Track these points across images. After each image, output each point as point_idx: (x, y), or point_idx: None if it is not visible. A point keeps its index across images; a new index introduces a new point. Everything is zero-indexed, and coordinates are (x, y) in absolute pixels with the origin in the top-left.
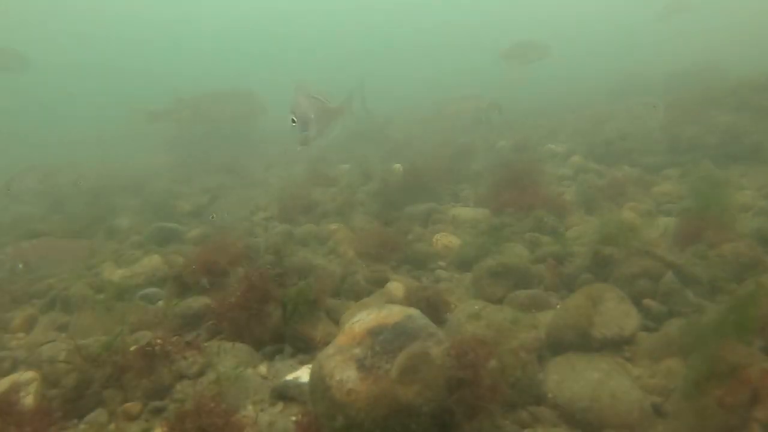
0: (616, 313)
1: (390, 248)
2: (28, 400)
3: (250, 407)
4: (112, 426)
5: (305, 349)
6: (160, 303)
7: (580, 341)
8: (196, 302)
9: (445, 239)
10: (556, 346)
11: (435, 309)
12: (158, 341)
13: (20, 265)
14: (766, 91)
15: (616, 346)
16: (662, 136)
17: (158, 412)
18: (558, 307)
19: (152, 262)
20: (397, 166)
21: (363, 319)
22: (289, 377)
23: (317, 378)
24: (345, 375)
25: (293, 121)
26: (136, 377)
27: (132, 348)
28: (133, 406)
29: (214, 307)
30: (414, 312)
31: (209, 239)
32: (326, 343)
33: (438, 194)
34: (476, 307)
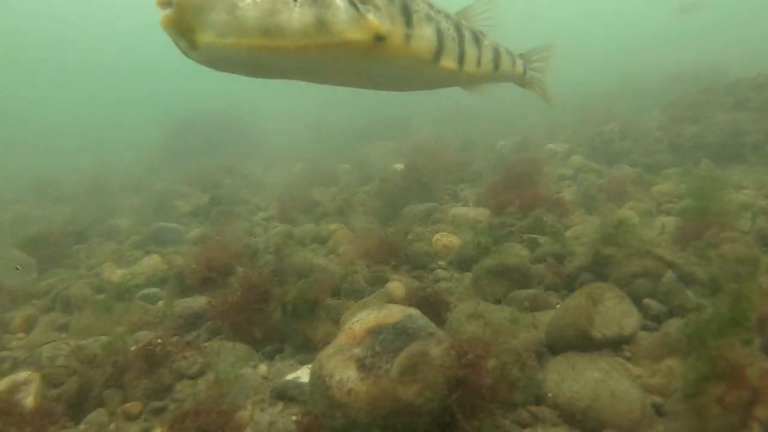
0: (616, 313)
1: (390, 248)
2: (28, 400)
3: (250, 407)
4: (112, 426)
5: (305, 349)
6: (160, 303)
7: (580, 341)
8: (196, 302)
9: (445, 239)
10: (555, 345)
11: (435, 309)
12: (158, 341)
13: None
14: (766, 90)
15: (616, 345)
16: (662, 135)
17: (158, 412)
18: (558, 306)
19: (152, 262)
20: (397, 166)
21: (363, 318)
22: (289, 377)
23: (317, 378)
24: (345, 375)
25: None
26: (137, 377)
27: (132, 348)
28: (133, 406)
29: (215, 307)
30: (414, 312)
31: (210, 239)
32: (326, 343)
33: (438, 194)
34: (476, 306)
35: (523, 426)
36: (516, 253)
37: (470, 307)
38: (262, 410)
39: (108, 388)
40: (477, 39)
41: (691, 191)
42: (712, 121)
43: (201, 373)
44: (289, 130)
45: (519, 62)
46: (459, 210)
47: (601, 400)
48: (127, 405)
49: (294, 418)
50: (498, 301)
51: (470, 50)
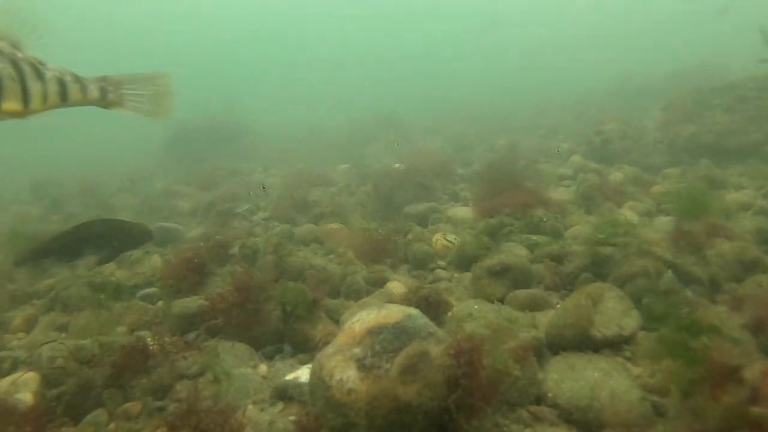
0: (616, 313)
1: (389, 248)
2: (28, 400)
3: (250, 407)
4: (111, 426)
5: (305, 348)
6: (160, 303)
7: (579, 341)
8: (195, 302)
9: (445, 239)
10: (555, 345)
11: (434, 309)
12: (155, 339)
13: None
14: (765, 90)
15: (616, 345)
16: (661, 135)
17: (158, 412)
18: (557, 306)
19: (152, 262)
20: (397, 165)
21: (363, 318)
22: (289, 377)
23: (317, 378)
24: (345, 375)
25: None
26: (133, 376)
27: (124, 344)
28: (133, 406)
29: (213, 307)
30: (413, 311)
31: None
32: (326, 343)
33: (437, 194)
34: (475, 306)
35: (523, 425)
36: (515, 252)
37: (470, 307)
38: (262, 410)
39: (107, 388)
40: (39, 73)
41: (684, 192)
42: (711, 121)
43: (200, 373)
44: (289, 131)
45: (93, 88)
46: (458, 210)
47: (601, 400)
48: (127, 405)
49: (292, 418)
50: (498, 301)
51: (34, 87)
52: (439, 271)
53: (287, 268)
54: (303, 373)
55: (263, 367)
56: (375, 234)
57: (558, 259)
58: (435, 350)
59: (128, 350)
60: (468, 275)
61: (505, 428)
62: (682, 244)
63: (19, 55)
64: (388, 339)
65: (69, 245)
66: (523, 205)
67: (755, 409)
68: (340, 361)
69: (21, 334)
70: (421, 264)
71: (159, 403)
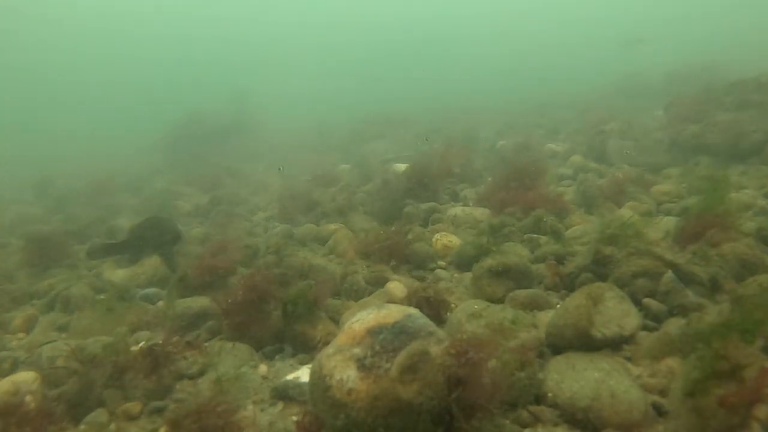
0: (617, 313)
1: (389, 248)
2: (29, 400)
3: (250, 407)
4: (112, 426)
5: (305, 349)
6: (161, 303)
7: (580, 341)
8: (196, 302)
9: (445, 239)
10: (556, 345)
11: (435, 308)
12: (161, 342)
13: None
14: (766, 90)
15: (616, 345)
16: (663, 135)
17: (158, 412)
18: (558, 306)
19: (152, 262)
20: (396, 166)
21: (363, 318)
22: (289, 377)
23: (317, 378)
24: (345, 374)
25: None
26: (137, 377)
27: (135, 348)
28: (133, 406)
29: (219, 305)
30: (413, 311)
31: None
32: (326, 343)
33: (438, 194)
34: (476, 306)
35: (523, 426)
36: (516, 252)
37: (470, 307)
38: (262, 410)
39: (108, 388)
40: None
41: (692, 190)
42: (713, 121)
43: (201, 373)
44: (289, 131)
45: None
46: (459, 210)
47: (602, 400)
48: (127, 405)
49: (294, 418)
50: (498, 301)
51: None
52: (439, 270)
53: (288, 268)
54: (303, 373)
55: (263, 367)
56: (381, 234)
57: (559, 258)
58: (435, 350)
59: (139, 354)
60: (468, 275)
61: (505, 428)
62: (686, 244)
63: None
64: (388, 339)
65: (131, 243)
66: (526, 204)
67: None
68: (340, 361)
69: (21, 334)
70: (421, 264)
71: (159, 403)
